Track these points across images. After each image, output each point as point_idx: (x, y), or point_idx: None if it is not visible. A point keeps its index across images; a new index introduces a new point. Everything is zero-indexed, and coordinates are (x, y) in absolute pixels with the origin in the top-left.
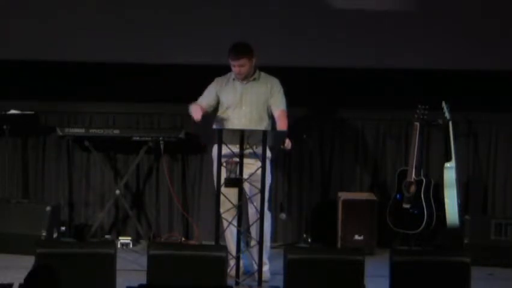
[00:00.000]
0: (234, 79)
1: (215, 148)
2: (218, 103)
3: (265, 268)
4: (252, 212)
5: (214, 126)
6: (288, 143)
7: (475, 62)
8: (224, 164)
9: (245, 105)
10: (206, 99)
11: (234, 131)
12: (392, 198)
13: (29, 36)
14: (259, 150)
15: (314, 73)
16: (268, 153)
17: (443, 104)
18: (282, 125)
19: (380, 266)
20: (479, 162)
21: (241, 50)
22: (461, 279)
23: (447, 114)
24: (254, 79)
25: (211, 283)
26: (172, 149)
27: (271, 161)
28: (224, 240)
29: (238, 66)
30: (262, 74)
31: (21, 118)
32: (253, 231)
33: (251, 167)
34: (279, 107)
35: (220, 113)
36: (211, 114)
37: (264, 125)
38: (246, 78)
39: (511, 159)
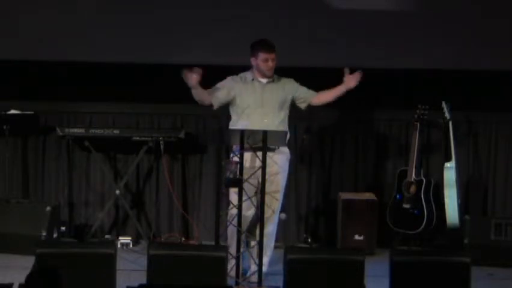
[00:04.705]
0: (252, 79)
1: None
2: (226, 100)
3: (264, 269)
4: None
5: (232, 127)
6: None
7: (475, 62)
8: (224, 164)
9: (265, 105)
10: (214, 91)
11: (253, 131)
12: (392, 198)
13: (29, 36)
14: (278, 151)
15: (315, 73)
16: (287, 153)
17: (443, 104)
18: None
19: (380, 266)
20: (479, 162)
21: (272, 43)
22: (461, 279)
23: (447, 114)
24: (272, 80)
25: (211, 283)
26: (172, 149)
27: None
28: (224, 240)
29: (272, 60)
30: (276, 76)
31: (21, 118)
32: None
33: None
34: (312, 93)
35: (237, 115)
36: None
37: (284, 125)
38: (271, 76)
39: (511, 159)
